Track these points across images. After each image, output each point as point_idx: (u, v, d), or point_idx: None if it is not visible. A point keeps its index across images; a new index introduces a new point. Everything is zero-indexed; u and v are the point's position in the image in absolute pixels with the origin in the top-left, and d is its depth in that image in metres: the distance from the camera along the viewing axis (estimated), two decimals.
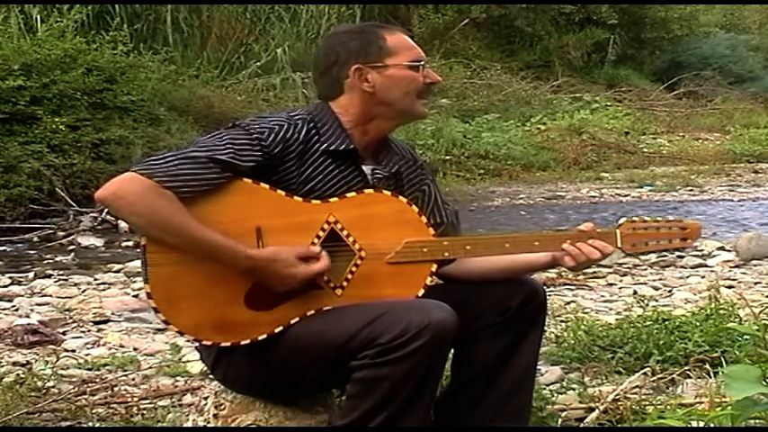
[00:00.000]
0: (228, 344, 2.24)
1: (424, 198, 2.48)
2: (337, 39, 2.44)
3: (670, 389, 3.07)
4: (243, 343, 2.23)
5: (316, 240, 2.25)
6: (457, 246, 2.35)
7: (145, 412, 2.95)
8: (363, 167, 2.37)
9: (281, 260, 2.18)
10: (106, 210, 8.05)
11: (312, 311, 2.24)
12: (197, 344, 2.38)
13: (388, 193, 2.34)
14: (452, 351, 2.45)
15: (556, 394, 2.93)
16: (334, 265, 2.26)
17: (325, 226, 2.26)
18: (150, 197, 2.14)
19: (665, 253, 6.41)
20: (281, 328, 2.23)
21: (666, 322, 3.48)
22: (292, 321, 2.23)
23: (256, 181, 2.24)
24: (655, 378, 3.10)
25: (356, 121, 2.36)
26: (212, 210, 2.20)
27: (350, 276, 2.27)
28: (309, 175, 2.30)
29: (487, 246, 2.37)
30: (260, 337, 2.22)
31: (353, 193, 2.31)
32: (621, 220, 2.41)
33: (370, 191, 2.33)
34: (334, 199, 2.29)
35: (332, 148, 2.32)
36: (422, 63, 2.36)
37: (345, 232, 2.27)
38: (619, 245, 2.39)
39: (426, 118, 2.48)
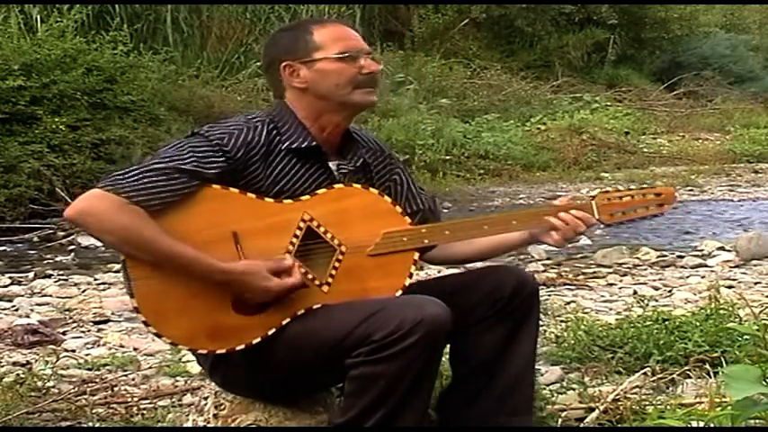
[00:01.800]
0: (224, 350, 2.23)
1: (396, 188, 2.49)
2: (272, 38, 2.49)
3: (670, 389, 3.07)
4: (238, 348, 2.23)
5: (294, 240, 2.25)
6: (436, 232, 2.36)
7: (145, 412, 2.94)
8: (330, 164, 2.37)
9: (254, 273, 2.18)
10: None
11: (302, 311, 2.25)
12: (192, 352, 2.39)
13: (359, 186, 2.34)
14: (449, 348, 2.46)
15: (556, 394, 2.93)
16: (316, 262, 2.26)
17: (301, 224, 2.26)
18: (118, 213, 2.13)
19: (664, 252, 6.42)
20: (273, 330, 2.23)
21: (666, 322, 3.48)
22: (284, 322, 2.23)
23: (225, 186, 2.23)
24: (655, 378, 3.09)
25: (310, 118, 2.37)
26: (186, 219, 2.19)
27: (334, 272, 2.27)
28: (277, 176, 2.30)
29: (466, 229, 2.39)
30: (254, 341, 2.22)
31: (324, 190, 2.31)
32: (595, 192, 2.41)
33: (341, 185, 2.33)
34: (306, 197, 2.29)
35: (294, 146, 2.33)
36: (347, 54, 2.33)
37: (322, 229, 2.27)
38: (596, 216, 2.40)
39: (373, 107, 2.47)
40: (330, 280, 2.27)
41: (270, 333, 2.22)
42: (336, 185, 2.33)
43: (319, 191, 2.31)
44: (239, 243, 2.21)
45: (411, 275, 2.31)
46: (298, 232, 2.26)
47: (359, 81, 2.35)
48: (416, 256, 2.33)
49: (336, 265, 2.28)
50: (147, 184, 2.16)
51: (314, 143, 2.35)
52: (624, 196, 2.43)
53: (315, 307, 2.25)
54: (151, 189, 2.16)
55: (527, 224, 2.41)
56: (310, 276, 2.25)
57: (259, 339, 2.22)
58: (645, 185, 2.47)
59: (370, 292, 2.27)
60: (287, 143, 2.33)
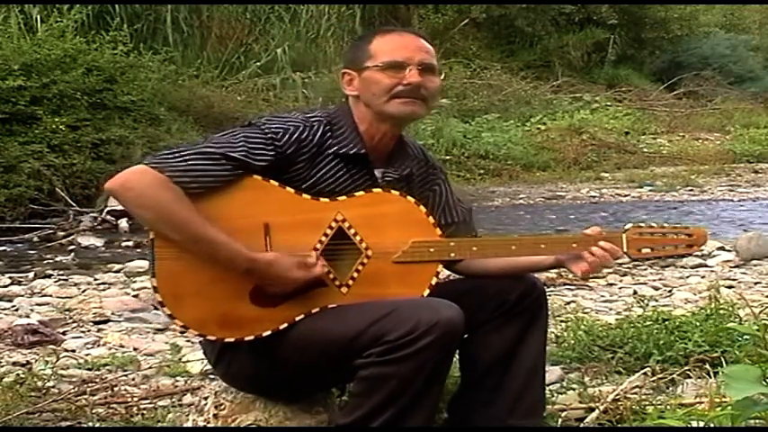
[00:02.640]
0: (233, 339, 2.24)
1: (434, 198, 2.50)
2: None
3: (670, 389, 3.07)
4: (247, 339, 2.23)
5: (323, 238, 2.26)
6: (463, 247, 2.36)
7: (145, 412, 2.94)
8: (375, 171, 2.38)
9: (280, 265, 2.19)
10: (106, 210, 8.06)
11: (317, 309, 2.25)
12: (201, 339, 2.39)
13: (397, 192, 2.35)
14: (458, 350, 2.46)
15: (556, 394, 2.93)
16: (342, 263, 2.27)
17: (333, 224, 2.28)
18: (158, 190, 2.14)
19: None
20: (285, 324, 2.23)
21: (666, 322, 3.48)
22: (297, 318, 2.24)
23: (266, 178, 2.25)
24: (655, 378, 3.09)
25: (362, 124, 2.38)
26: (221, 205, 2.21)
27: (356, 275, 2.28)
28: (320, 178, 2.32)
29: (494, 247, 2.39)
30: (264, 334, 2.23)
31: (362, 192, 2.32)
32: (628, 225, 2.42)
33: (379, 190, 2.34)
34: (343, 197, 2.30)
35: (342, 151, 2.34)
36: (391, 64, 2.32)
37: (353, 231, 2.29)
38: (625, 249, 2.40)
39: (413, 119, 2.43)
40: (350, 282, 2.28)
41: (281, 327, 2.23)
42: (375, 190, 2.34)
43: (357, 193, 2.32)
44: (269, 235, 2.22)
45: (431, 287, 2.31)
46: (328, 231, 2.27)
47: (397, 91, 2.33)
48: (440, 268, 2.34)
49: (360, 268, 2.29)
50: (193, 166, 2.17)
51: (362, 150, 2.36)
52: (655, 233, 2.42)
53: (330, 307, 2.26)
54: (195, 172, 2.17)
55: (555, 250, 2.41)
56: (331, 276, 2.26)
57: (269, 332, 2.23)
58: (678, 225, 2.47)
59: (389, 298, 2.26)
60: (336, 147, 2.34)
